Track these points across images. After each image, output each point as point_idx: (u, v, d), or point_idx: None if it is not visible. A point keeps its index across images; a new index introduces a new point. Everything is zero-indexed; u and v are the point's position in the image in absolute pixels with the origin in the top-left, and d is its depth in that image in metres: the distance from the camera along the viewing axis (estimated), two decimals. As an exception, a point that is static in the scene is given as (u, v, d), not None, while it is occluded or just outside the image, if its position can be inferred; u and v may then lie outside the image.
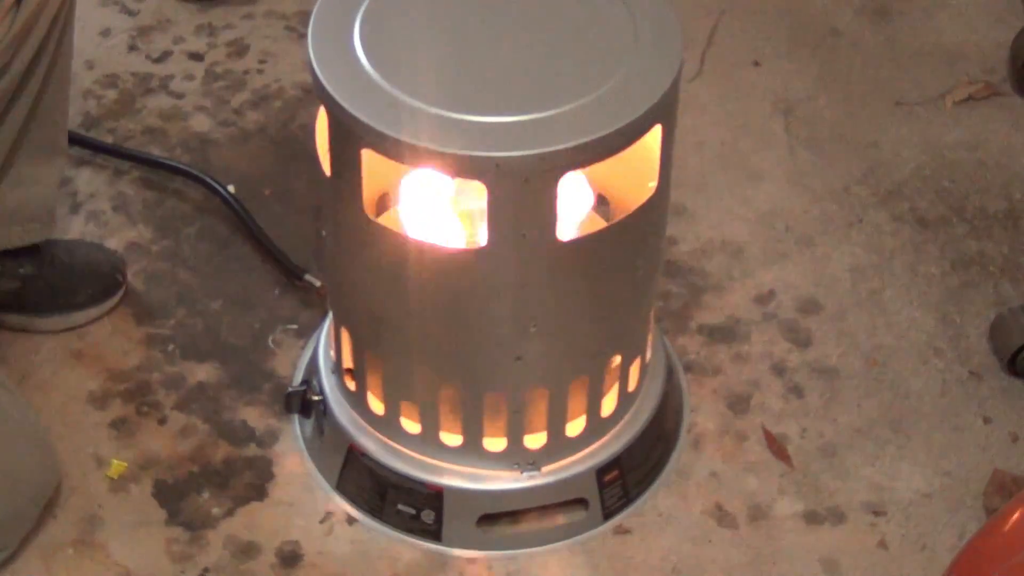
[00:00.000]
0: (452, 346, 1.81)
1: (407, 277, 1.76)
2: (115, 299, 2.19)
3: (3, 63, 1.90)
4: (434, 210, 1.86)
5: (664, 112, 1.70)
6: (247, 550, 1.94)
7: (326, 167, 1.75)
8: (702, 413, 2.10)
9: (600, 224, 1.87)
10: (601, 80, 1.67)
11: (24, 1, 1.88)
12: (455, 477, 1.90)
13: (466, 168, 1.64)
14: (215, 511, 1.98)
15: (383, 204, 1.93)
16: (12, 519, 1.88)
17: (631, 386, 1.94)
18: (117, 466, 2.02)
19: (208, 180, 2.32)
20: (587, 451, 1.93)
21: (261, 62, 2.59)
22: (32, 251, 2.13)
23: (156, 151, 2.42)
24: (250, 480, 2.01)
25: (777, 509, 1.99)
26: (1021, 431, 2.08)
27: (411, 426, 1.90)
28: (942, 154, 2.46)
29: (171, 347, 2.16)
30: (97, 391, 2.10)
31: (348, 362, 1.93)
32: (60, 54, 2.00)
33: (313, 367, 2.04)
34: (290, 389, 2.04)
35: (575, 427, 1.90)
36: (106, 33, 2.63)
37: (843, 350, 2.18)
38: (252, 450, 2.05)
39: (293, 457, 2.04)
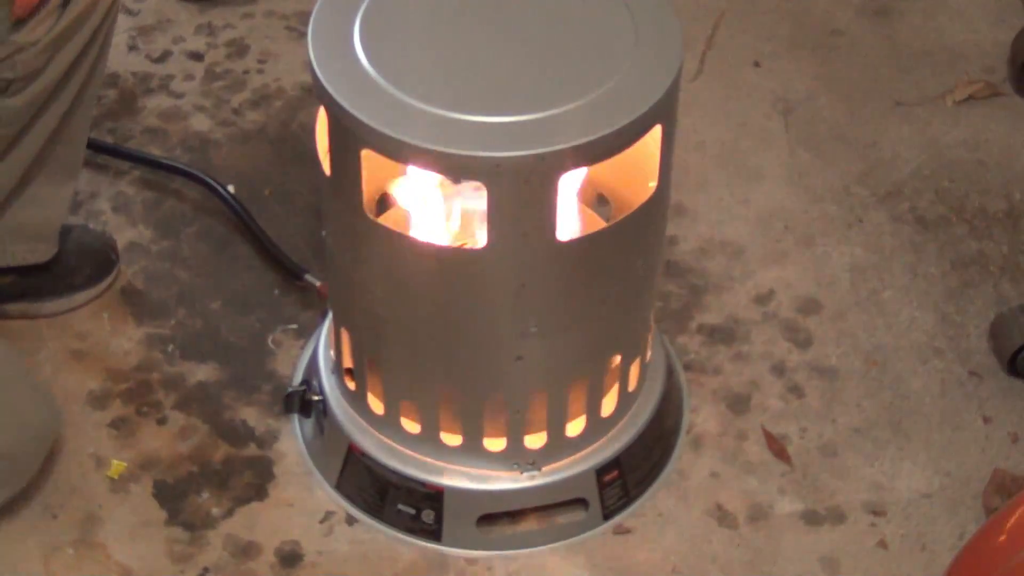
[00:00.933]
0: (452, 346, 1.81)
1: (407, 277, 1.76)
2: (111, 277, 2.21)
3: (40, 64, 1.89)
4: (434, 210, 1.86)
5: (664, 112, 1.69)
6: (247, 550, 1.94)
7: (326, 167, 1.75)
8: (702, 413, 2.09)
9: (600, 224, 1.87)
10: (601, 80, 1.67)
11: (70, 5, 1.87)
12: (455, 477, 1.90)
13: (466, 168, 1.64)
14: (215, 511, 1.98)
15: (383, 204, 1.93)
16: (16, 457, 1.86)
17: (631, 386, 1.94)
18: (117, 466, 2.02)
19: (208, 180, 2.32)
20: (587, 451, 1.93)
21: (261, 62, 2.59)
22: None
23: (156, 151, 2.42)
24: (250, 480, 2.01)
25: (777, 509, 1.99)
26: (1021, 431, 2.08)
27: (411, 426, 1.90)
28: (942, 154, 2.46)
29: (171, 347, 2.16)
30: (97, 391, 2.10)
31: (348, 362, 1.93)
32: (94, 73, 1.98)
33: (313, 367, 2.04)
34: (290, 389, 2.04)
35: (575, 427, 1.90)
36: (106, 33, 2.63)
37: (843, 350, 2.18)
38: (252, 450, 2.05)
39: (293, 457, 2.04)
